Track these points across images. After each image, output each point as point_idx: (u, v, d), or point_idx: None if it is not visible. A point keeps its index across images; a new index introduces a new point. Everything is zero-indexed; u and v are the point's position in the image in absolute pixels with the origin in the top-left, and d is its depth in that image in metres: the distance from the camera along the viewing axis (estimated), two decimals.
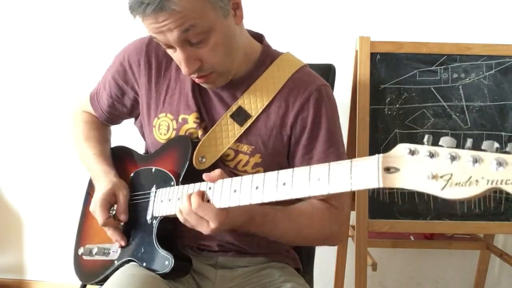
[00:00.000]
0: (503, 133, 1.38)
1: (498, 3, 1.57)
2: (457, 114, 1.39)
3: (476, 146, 0.52)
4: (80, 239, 1.09)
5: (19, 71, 1.82)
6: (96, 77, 1.12)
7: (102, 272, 0.98)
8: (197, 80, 0.90)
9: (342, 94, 1.46)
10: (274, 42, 1.03)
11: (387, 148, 1.39)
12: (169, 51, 0.87)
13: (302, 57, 1.02)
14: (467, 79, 1.39)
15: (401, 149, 0.58)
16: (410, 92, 1.40)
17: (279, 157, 0.96)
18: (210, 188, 0.80)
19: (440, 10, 1.59)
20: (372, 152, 1.38)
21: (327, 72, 1.27)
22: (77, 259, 1.07)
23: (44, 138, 1.85)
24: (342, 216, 0.95)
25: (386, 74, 1.40)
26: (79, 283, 1.10)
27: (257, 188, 0.73)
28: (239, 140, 0.93)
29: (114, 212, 0.96)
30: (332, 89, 1.27)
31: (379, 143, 1.39)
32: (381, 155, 0.60)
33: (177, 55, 0.85)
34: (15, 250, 1.97)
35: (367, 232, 1.35)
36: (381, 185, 0.59)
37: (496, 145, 0.52)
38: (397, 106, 1.40)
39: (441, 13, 1.59)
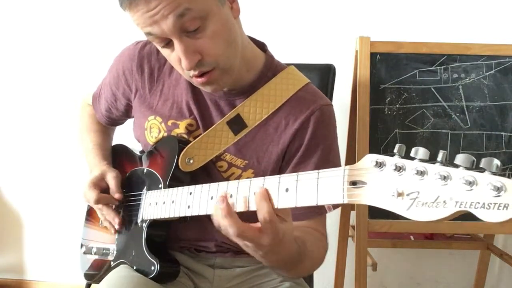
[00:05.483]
0: (503, 133, 1.38)
1: (498, 3, 1.57)
2: (457, 114, 1.39)
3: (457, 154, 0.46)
4: (83, 237, 1.10)
5: (19, 72, 1.82)
6: (97, 77, 1.12)
7: (101, 272, 0.99)
8: (199, 80, 0.82)
9: (342, 94, 1.47)
10: (274, 42, 1.03)
11: (387, 148, 1.41)
12: (166, 52, 0.82)
13: (302, 57, 1.02)
14: (467, 79, 1.39)
15: (368, 160, 0.54)
16: (410, 92, 1.40)
17: (271, 173, 0.93)
18: (190, 193, 0.80)
19: (440, 10, 1.59)
20: (372, 152, 1.38)
21: (327, 72, 1.27)
22: (80, 257, 1.08)
23: (44, 138, 1.85)
24: (327, 244, 0.92)
25: (386, 74, 1.40)
26: (79, 283, 1.10)
27: (231, 196, 0.71)
28: (233, 151, 0.91)
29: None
30: (332, 89, 1.27)
31: (379, 143, 1.39)
32: (347, 167, 0.56)
33: (175, 54, 0.79)
34: (15, 250, 1.97)
35: (367, 232, 1.35)
36: (346, 201, 0.54)
37: (472, 159, 0.46)
38: (397, 106, 1.40)
39: (441, 13, 1.59)
